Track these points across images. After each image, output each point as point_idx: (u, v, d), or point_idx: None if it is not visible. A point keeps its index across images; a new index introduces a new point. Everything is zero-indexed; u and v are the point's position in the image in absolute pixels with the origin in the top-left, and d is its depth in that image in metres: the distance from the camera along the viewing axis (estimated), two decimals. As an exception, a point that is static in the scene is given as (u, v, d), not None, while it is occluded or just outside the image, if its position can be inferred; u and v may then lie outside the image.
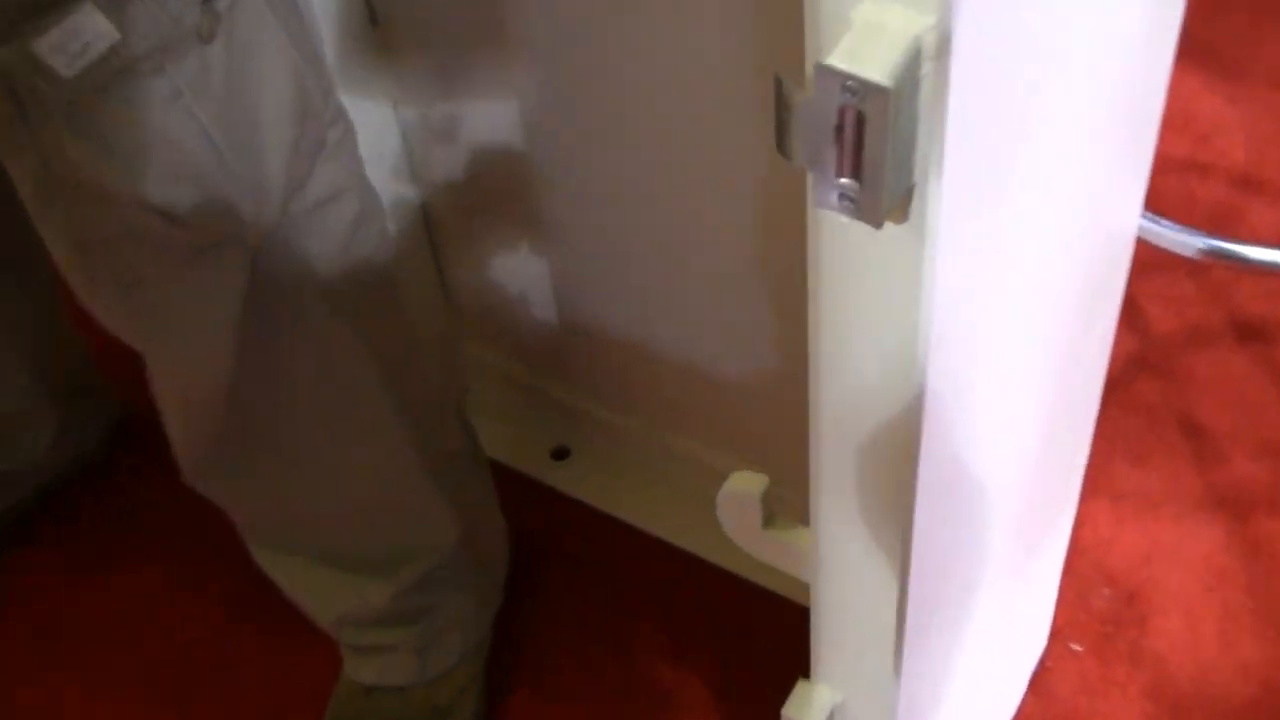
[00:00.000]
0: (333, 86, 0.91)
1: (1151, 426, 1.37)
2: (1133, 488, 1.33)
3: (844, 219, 0.50)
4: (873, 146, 0.48)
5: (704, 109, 1.02)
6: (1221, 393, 1.39)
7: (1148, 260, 1.26)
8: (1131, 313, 1.47)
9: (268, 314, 0.91)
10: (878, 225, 0.50)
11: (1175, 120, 1.62)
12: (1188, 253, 1.32)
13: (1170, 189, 1.58)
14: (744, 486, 0.76)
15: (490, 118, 1.18)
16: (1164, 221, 1.30)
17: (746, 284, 1.13)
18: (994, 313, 0.62)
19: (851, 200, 0.50)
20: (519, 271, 1.30)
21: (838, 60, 0.46)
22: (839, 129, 0.48)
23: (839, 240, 0.54)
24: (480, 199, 1.27)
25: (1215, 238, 1.31)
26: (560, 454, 1.40)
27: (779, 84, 0.50)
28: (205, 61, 0.77)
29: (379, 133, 1.22)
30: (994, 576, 0.85)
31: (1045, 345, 0.74)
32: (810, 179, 0.51)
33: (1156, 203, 1.35)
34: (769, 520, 0.77)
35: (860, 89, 0.46)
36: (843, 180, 0.49)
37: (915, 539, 0.62)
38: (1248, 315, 1.46)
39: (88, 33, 0.69)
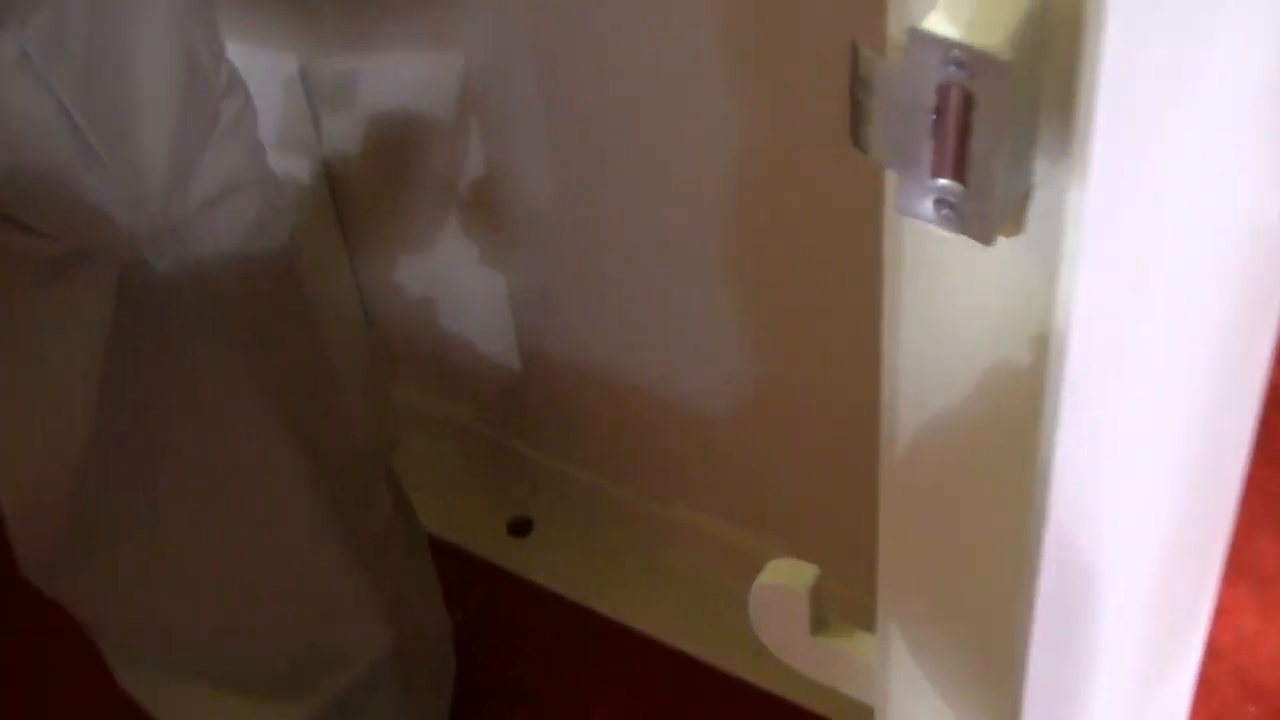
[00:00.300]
0: (224, 47, 0.92)
1: (1306, 486, 1.38)
2: (1282, 568, 1.33)
3: (941, 232, 0.50)
4: (985, 137, 0.47)
5: (710, 79, 1.02)
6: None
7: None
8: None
9: (142, 349, 0.92)
10: (988, 240, 0.50)
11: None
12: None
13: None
14: (787, 579, 0.76)
15: (427, 83, 1.18)
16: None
17: (768, 309, 1.13)
18: (1140, 348, 0.62)
19: (952, 207, 0.49)
20: (466, 288, 1.31)
21: (939, 23, 0.46)
22: (938, 114, 0.47)
23: (929, 260, 0.54)
24: (413, 191, 1.27)
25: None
26: (520, 527, 1.42)
27: (855, 54, 0.50)
28: (61, 14, 0.78)
29: (280, 103, 1.23)
30: (1120, 698, 0.85)
31: (1196, 388, 0.74)
32: (893, 179, 0.50)
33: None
34: (820, 624, 0.77)
35: (970, 62, 0.46)
36: (941, 182, 0.49)
37: (1032, 653, 0.62)
38: None
39: None
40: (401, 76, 1.20)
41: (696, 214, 1.12)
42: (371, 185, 1.30)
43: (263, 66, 1.20)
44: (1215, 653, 1.26)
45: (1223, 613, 1.28)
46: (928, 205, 0.49)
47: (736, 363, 1.19)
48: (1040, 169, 0.49)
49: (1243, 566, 1.32)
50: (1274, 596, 1.32)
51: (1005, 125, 0.47)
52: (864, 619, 0.74)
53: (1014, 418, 0.55)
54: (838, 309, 1.08)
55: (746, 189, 1.08)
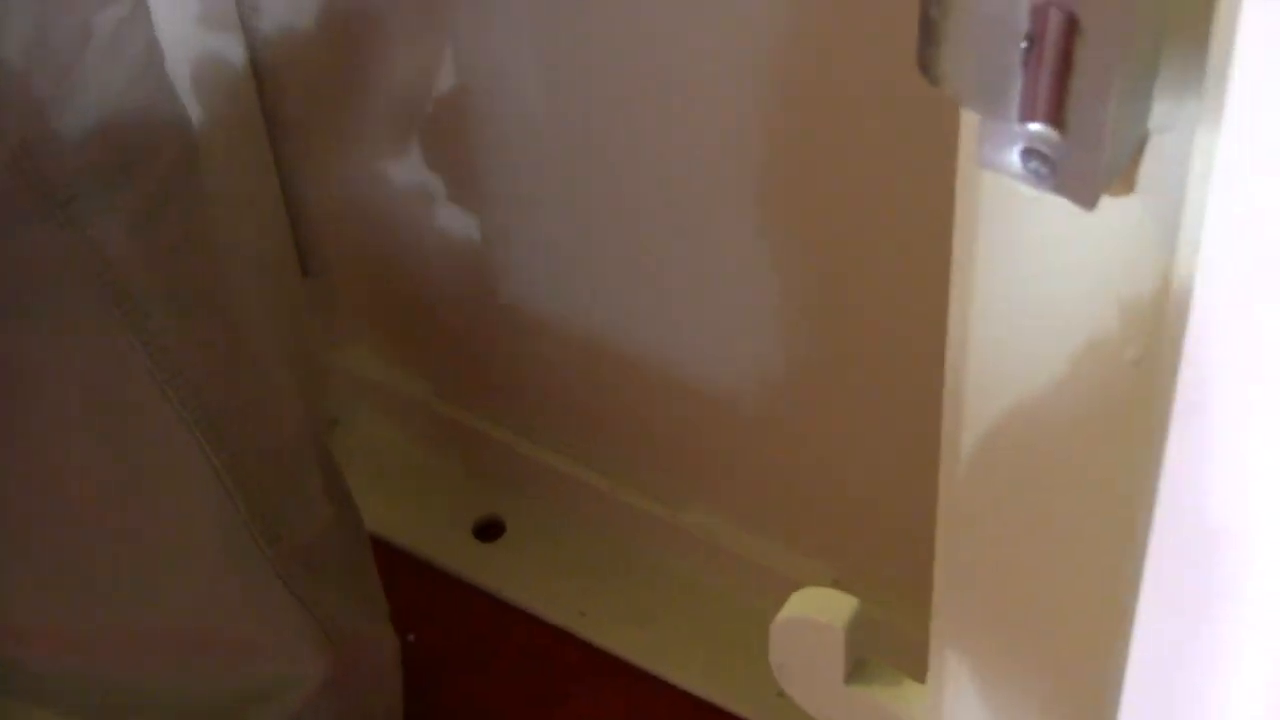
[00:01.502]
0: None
1: None
2: None
3: (1029, 191, 0.51)
4: (1092, 72, 0.48)
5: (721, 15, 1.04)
6: None
7: None
8: None
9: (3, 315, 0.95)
10: (1090, 203, 0.50)
11: None
12: None
13: None
14: (818, 612, 0.77)
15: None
16: None
17: (803, 266, 1.14)
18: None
19: (1046, 160, 0.50)
20: (429, 229, 1.32)
21: (1040, -79, 0.46)
22: (1032, 42, 0.48)
23: (1014, 225, 0.55)
24: (364, 101, 1.27)
25: None
26: (488, 530, 1.45)
27: None
28: None
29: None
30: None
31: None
32: (972, 122, 0.51)
33: None
34: (858, 670, 0.77)
35: (1077, -27, 0.46)
36: (1033, 127, 0.49)
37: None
38: None
39: None
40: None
41: (717, 143, 1.13)
42: (311, 89, 1.31)
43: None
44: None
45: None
46: (1014, 156, 0.50)
47: (763, 333, 1.19)
48: (1160, 112, 0.50)
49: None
50: None
51: (1120, 57, 0.47)
52: (917, 661, 0.74)
53: (1114, 420, 0.57)
54: (889, 271, 1.08)
55: (778, 114, 1.08)
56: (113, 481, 1.04)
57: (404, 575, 1.36)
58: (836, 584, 1.01)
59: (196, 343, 1.04)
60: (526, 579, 1.40)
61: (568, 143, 1.20)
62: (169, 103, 1.01)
